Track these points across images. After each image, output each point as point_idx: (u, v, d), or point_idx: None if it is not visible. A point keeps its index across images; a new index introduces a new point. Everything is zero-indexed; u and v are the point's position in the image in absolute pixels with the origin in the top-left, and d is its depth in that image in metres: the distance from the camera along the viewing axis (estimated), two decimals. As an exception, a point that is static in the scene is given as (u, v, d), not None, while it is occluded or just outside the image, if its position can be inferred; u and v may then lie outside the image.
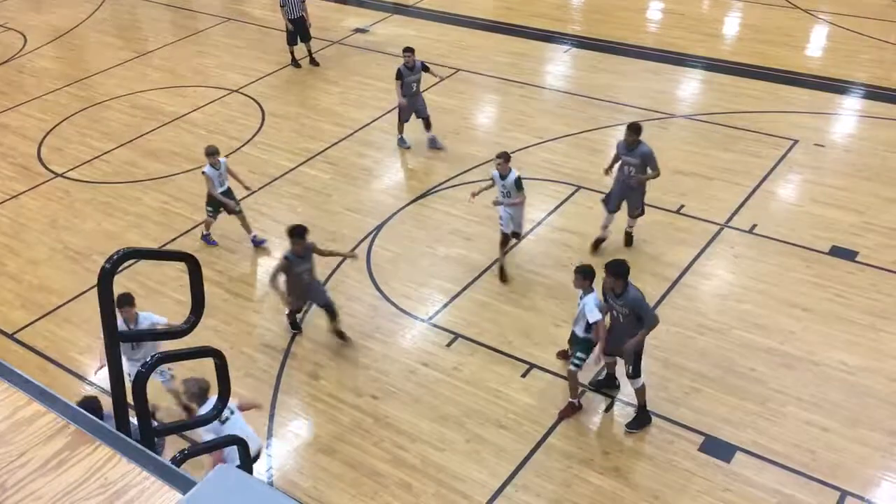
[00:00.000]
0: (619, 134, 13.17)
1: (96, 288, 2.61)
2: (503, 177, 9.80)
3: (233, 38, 18.05)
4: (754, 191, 11.47)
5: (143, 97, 15.52)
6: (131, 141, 13.98)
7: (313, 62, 16.25)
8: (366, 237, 11.12)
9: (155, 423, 3.09)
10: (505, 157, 9.81)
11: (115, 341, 2.76)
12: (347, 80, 15.61)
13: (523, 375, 8.77)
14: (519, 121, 13.64)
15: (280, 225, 11.48)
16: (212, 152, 10.56)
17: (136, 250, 2.95)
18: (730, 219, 10.94)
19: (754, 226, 10.77)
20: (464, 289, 10.08)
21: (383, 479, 7.72)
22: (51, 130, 14.50)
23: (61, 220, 11.96)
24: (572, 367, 8.12)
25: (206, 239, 11.25)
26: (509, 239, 10.15)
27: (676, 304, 9.59)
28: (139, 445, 2.10)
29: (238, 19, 19.03)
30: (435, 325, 9.60)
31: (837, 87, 14.24)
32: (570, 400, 8.27)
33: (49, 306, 10.30)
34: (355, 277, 10.42)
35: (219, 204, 10.84)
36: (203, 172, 10.74)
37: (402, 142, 13.18)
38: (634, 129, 9.89)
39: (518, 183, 9.74)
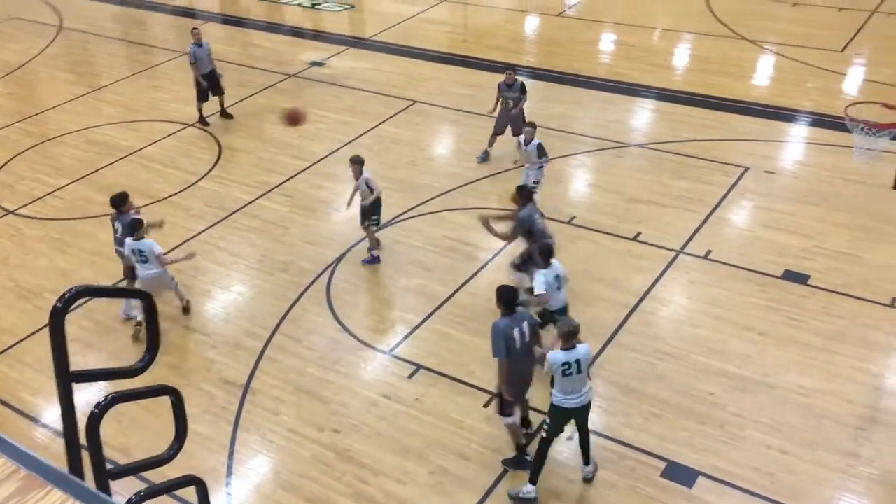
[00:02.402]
0: (577, 163, 13.43)
1: (48, 327, 2.57)
2: None
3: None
4: (708, 217, 11.69)
5: (98, 132, 15.35)
6: (85, 176, 13.79)
7: (225, 115, 15.35)
8: (325, 269, 11.07)
9: (110, 467, 3.02)
10: None
11: (67, 381, 2.71)
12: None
13: (485, 405, 8.75)
14: (475, 151, 13.72)
15: (237, 258, 11.41)
16: (358, 161, 10.81)
17: (89, 288, 2.91)
18: (685, 245, 11.12)
19: (709, 252, 10.95)
20: (424, 319, 10.06)
21: (346, 514, 7.61)
22: (2, 167, 14.23)
23: (13, 259, 11.71)
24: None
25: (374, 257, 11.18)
26: None
27: (635, 330, 9.68)
28: (92, 489, 2.05)
29: (193, 53, 18.95)
30: (396, 357, 9.55)
31: (785, 115, 14.63)
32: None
33: (0, 346, 10.05)
34: (315, 311, 10.35)
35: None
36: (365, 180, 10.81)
37: (484, 156, 13.43)
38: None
39: None
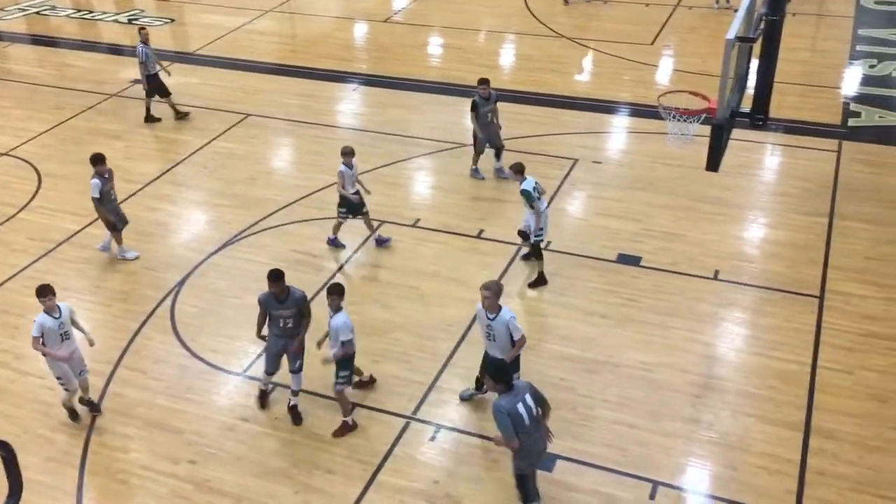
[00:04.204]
0: (416, 166, 13.58)
1: None
2: None
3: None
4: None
5: None
6: None
7: (180, 116, 15.33)
8: (167, 295, 10.62)
9: None
10: None
11: None
12: (131, 134, 14.92)
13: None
14: (315, 161, 13.62)
15: (69, 292, 10.72)
16: (347, 152, 10.97)
17: None
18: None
19: (549, 242, 11.38)
20: (276, 336, 9.86)
21: (211, 546, 7.36)
22: None
23: None
24: (338, 387, 8.34)
25: (334, 242, 11.40)
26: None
27: (486, 325, 9.91)
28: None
29: (1, 77, 17.67)
30: (250, 377, 9.31)
31: (607, 107, 15.44)
32: (344, 419, 8.48)
33: None
34: (160, 339, 9.91)
35: (350, 205, 11.03)
36: (339, 172, 10.93)
37: (475, 172, 13.11)
38: None
39: None
